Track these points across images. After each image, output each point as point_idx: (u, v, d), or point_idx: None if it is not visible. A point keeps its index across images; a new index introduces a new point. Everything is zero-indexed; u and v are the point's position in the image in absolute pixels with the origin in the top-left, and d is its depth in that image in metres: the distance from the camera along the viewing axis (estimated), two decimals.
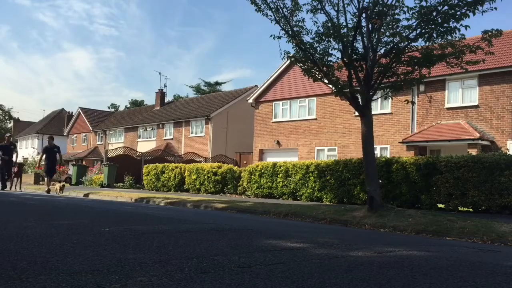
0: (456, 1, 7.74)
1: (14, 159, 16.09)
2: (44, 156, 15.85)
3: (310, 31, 8.98)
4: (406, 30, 8.29)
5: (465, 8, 7.69)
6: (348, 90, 8.92)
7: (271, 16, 8.97)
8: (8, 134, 17.15)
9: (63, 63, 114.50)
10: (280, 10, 8.85)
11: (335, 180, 12.90)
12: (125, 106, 67.02)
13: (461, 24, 7.87)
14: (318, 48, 9.00)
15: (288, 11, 8.88)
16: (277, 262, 2.84)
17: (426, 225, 6.90)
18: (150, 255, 2.85)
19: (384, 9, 8.27)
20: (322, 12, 8.77)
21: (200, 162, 25.65)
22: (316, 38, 8.85)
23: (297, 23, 8.97)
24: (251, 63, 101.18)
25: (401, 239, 5.61)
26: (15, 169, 16.89)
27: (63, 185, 16.08)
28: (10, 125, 61.91)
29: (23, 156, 49.39)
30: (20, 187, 17.17)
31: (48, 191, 15.13)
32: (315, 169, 13.58)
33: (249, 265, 2.67)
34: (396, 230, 6.95)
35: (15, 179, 17.05)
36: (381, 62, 8.84)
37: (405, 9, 8.26)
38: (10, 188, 16.25)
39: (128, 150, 27.52)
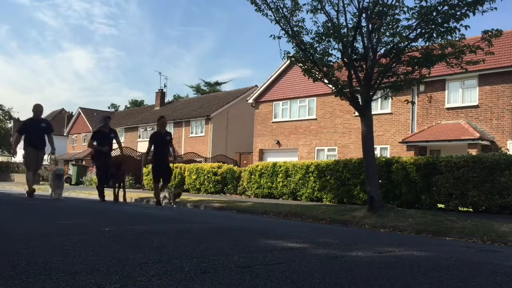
0: (456, 1, 7.74)
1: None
2: (152, 147, 10.24)
3: (310, 31, 8.99)
4: (406, 30, 8.29)
5: (465, 8, 7.69)
6: (348, 90, 8.93)
7: (271, 16, 8.98)
8: (107, 116, 11.75)
9: (63, 62, 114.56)
10: (280, 10, 8.85)
11: (335, 180, 12.90)
12: (125, 106, 67.03)
13: (461, 24, 7.88)
14: (318, 48, 9.01)
15: (288, 11, 8.88)
16: (277, 262, 2.83)
17: (426, 225, 6.90)
18: (150, 255, 2.85)
19: (384, 9, 8.28)
20: (322, 12, 8.78)
21: (200, 162, 25.65)
22: (316, 38, 8.86)
23: (297, 23, 8.98)
24: (251, 63, 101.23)
25: (401, 239, 5.61)
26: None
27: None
28: (10, 125, 61.87)
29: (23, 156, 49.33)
30: (124, 196, 10.86)
31: (158, 202, 10.07)
32: (315, 169, 13.58)
33: (249, 265, 2.67)
34: (396, 230, 6.95)
35: (116, 184, 10.78)
36: (381, 62, 8.85)
37: (405, 9, 8.27)
38: (116, 197, 10.59)
39: (128, 150, 27.52)
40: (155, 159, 10.12)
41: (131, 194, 14.42)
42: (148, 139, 10.42)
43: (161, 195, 10.27)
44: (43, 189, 18.15)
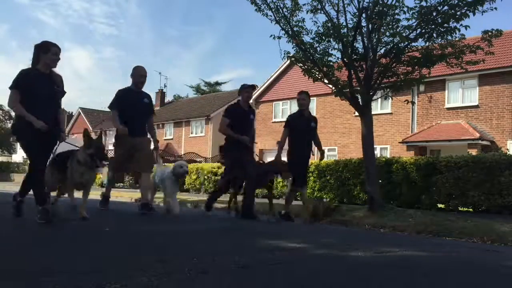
0: (456, 1, 7.74)
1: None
2: (287, 136, 7.07)
3: (310, 31, 8.98)
4: (406, 30, 8.29)
5: (465, 8, 7.69)
6: (348, 90, 8.92)
7: (271, 16, 8.97)
8: (251, 84, 6.96)
9: (63, 62, 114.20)
10: (280, 10, 8.85)
11: (335, 180, 12.89)
12: None
13: (461, 24, 7.88)
14: (318, 48, 9.00)
15: (288, 11, 8.88)
16: (277, 262, 2.83)
17: (426, 225, 6.90)
18: (150, 255, 2.85)
19: (384, 9, 8.27)
20: (322, 12, 8.78)
21: (200, 162, 25.65)
22: (316, 38, 8.85)
23: (297, 23, 8.97)
24: (251, 63, 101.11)
25: (401, 239, 5.61)
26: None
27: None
28: (10, 125, 61.89)
29: (23, 157, 49.27)
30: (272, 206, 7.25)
31: (287, 215, 6.94)
32: (315, 169, 13.57)
33: (249, 265, 2.67)
34: (396, 230, 6.95)
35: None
36: (381, 62, 8.84)
37: (405, 9, 8.26)
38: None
39: None
40: (293, 153, 6.88)
41: (131, 194, 14.44)
42: (284, 124, 7.12)
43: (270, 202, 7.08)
44: None
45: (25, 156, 49.60)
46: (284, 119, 24.84)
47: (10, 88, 4.52)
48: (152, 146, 6.35)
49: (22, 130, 4.56)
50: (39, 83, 4.55)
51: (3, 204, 6.58)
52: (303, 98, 7.06)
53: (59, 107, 4.98)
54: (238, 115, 6.55)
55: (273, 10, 8.87)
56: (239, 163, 6.38)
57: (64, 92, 4.92)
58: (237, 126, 6.45)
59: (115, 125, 6.25)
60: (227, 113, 6.64)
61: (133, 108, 6.17)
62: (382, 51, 8.75)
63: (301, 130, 6.88)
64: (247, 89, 6.76)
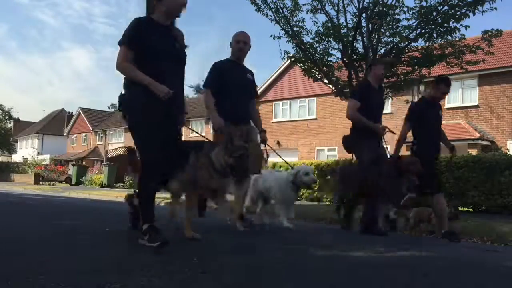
0: (456, 1, 7.75)
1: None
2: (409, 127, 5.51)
3: (310, 31, 9.00)
4: (406, 30, 8.30)
5: (465, 8, 7.70)
6: (348, 90, 8.93)
7: (271, 16, 8.99)
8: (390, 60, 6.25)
9: (63, 62, 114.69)
10: (280, 10, 8.86)
11: None
12: None
13: (461, 24, 7.90)
14: (318, 48, 9.02)
15: (288, 11, 8.89)
16: (278, 262, 2.84)
17: (426, 225, 6.89)
18: (150, 255, 2.85)
19: (384, 9, 8.28)
20: (322, 12, 8.80)
21: None
22: (316, 38, 8.87)
23: (297, 23, 8.99)
24: (251, 63, 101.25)
25: (401, 239, 5.61)
26: None
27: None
28: (10, 125, 61.85)
29: (23, 156, 49.27)
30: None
31: (453, 234, 5.16)
32: (315, 169, 13.58)
33: (249, 265, 2.67)
34: (396, 230, 6.94)
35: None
36: None
37: (405, 9, 8.28)
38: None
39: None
40: (425, 150, 5.31)
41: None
42: (408, 113, 5.54)
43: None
44: (44, 189, 18.08)
45: (25, 156, 49.13)
46: (284, 119, 24.61)
47: (120, 43, 3.36)
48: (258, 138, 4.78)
49: (135, 102, 3.29)
50: (155, 36, 3.30)
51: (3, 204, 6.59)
52: (442, 88, 5.35)
53: (182, 71, 3.52)
54: (370, 97, 5.08)
55: (273, 10, 8.89)
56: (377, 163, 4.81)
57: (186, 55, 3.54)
58: (367, 111, 5.03)
59: (208, 112, 4.61)
60: (357, 93, 5.23)
61: (236, 85, 4.61)
62: (382, 51, 8.76)
63: (434, 120, 5.48)
64: (381, 64, 5.27)
